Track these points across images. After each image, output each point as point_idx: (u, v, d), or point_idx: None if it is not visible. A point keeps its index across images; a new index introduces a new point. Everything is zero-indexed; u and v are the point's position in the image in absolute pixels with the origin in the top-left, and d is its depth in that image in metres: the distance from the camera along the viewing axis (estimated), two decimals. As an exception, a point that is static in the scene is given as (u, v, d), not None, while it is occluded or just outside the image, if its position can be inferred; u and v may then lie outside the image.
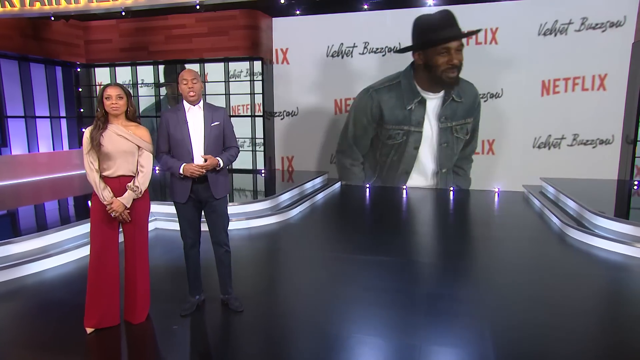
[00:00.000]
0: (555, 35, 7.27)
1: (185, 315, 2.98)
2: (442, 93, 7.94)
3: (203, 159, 2.80)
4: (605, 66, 7.16)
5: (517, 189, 7.79)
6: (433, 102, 8.01)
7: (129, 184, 2.65)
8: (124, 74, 9.26)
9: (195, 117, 2.85)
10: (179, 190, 2.86)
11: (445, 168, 8.14)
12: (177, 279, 3.64)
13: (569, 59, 7.28)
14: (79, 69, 9.31)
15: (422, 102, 8.05)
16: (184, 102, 2.87)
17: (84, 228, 4.60)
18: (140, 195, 2.68)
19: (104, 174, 2.64)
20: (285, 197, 6.45)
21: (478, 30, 7.61)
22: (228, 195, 3.03)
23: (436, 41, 7.78)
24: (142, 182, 2.68)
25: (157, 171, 8.31)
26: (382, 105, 8.20)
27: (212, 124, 2.86)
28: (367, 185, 8.45)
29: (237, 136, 3.07)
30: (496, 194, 7.67)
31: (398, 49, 8.04)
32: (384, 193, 7.89)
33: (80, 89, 9.42)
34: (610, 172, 7.41)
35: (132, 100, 2.75)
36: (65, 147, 9.27)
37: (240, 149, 3.94)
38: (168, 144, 2.86)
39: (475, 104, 7.86)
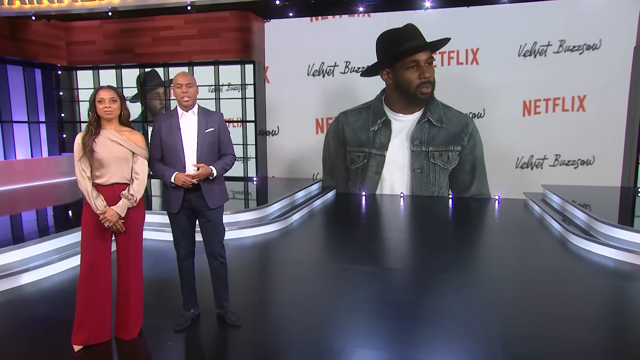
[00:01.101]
0: (535, 56, 7.56)
1: (180, 330, 2.96)
2: (416, 115, 8.03)
3: (195, 168, 2.79)
4: (584, 88, 7.46)
5: (519, 197, 7.90)
6: (401, 123, 8.12)
7: (123, 192, 2.63)
8: (108, 77, 9.21)
9: (188, 123, 2.85)
10: (172, 200, 2.85)
11: None
12: (169, 292, 3.61)
13: (548, 80, 7.56)
14: (59, 72, 9.22)
15: (387, 123, 8.14)
16: (178, 107, 2.88)
17: (65, 240, 4.55)
18: (135, 204, 2.66)
19: (97, 181, 2.62)
20: (279, 206, 6.45)
21: (446, 40, 7.79)
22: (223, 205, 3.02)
23: (401, 53, 7.90)
24: (137, 190, 2.66)
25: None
26: (346, 126, 8.33)
27: (206, 131, 2.85)
28: (363, 193, 8.48)
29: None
30: (496, 201, 7.77)
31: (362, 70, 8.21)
32: (380, 201, 7.93)
33: (61, 93, 9.32)
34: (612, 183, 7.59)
35: (126, 103, 2.74)
36: (45, 153, 9.15)
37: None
38: (161, 150, 2.85)
39: (463, 134, 7.92)
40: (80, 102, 9.57)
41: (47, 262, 4.14)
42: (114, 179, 2.62)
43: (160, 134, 2.83)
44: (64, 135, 9.41)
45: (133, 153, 2.67)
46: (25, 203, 6.94)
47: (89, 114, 2.65)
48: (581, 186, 7.52)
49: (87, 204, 2.62)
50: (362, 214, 7.09)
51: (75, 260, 4.30)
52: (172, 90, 2.90)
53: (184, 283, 3.04)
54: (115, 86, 8.92)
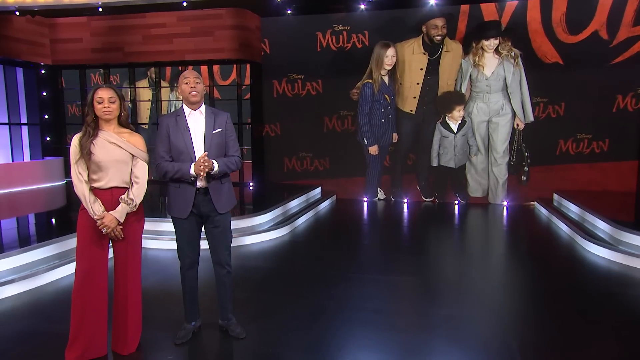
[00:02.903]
0: None
1: (181, 344, 2.93)
2: None
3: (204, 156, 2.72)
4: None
5: (527, 203, 7.94)
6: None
7: (122, 196, 2.62)
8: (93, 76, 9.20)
9: (196, 123, 2.84)
10: (180, 204, 2.82)
11: None
12: (167, 303, 3.59)
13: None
14: (43, 71, 9.18)
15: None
16: (184, 106, 2.87)
17: (51, 249, 4.49)
18: (135, 209, 2.65)
19: (94, 185, 2.60)
20: (279, 212, 6.45)
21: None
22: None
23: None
24: (137, 194, 2.65)
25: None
26: None
27: (214, 132, 2.84)
28: (365, 200, 8.51)
29: None
30: (504, 208, 7.81)
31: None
32: (382, 207, 7.95)
33: (44, 93, 9.27)
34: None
35: (126, 104, 2.74)
36: (27, 157, 9.07)
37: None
38: (170, 151, 2.83)
39: None
40: (65, 104, 9.52)
41: (33, 272, 4.10)
42: (112, 183, 2.61)
43: (168, 135, 2.81)
44: (48, 138, 9.34)
45: (133, 156, 2.66)
46: (6, 210, 6.86)
47: (86, 114, 2.64)
48: (593, 191, 7.55)
49: (83, 209, 2.60)
50: (365, 221, 7.10)
51: (63, 271, 4.27)
52: (179, 88, 2.89)
53: (186, 294, 3.01)
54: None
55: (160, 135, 2.85)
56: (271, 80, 8.65)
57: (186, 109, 2.86)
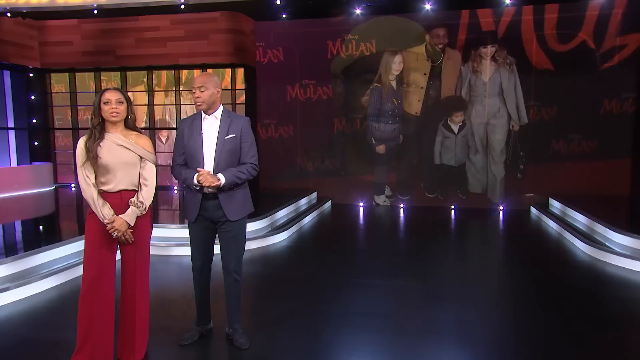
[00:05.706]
0: None
1: (185, 344, 2.91)
2: None
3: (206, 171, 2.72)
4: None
5: (523, 208, 8.06)
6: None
7: (132, 199, 2.59)
8: (86, 80, 9.09)
9: (210, 128, 2.82)
10: (189, 208, 2.84)
11: None
12: (171, 310, 3.56)
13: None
14: (31, 74, 9.05)
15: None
16: (202, 110, 2.84)
17: (41, 257, 4.41)
18: (144, 212, 2.62)
19: (103, 188, 2.57)
20: (278, 215, 6.44)
21: None
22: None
23: None
24: (147, 197, 2.62)
25: (175, 190, 8.63)
26: None
27: (227, 137, 2.80)
28: (361, 204, 8.55)
29: None
30: (500, 212, 7.92)
31: None
32: (378, 212, 7.99)
33: (32, 97, 9.14)
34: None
35: (133, 106, 2.72)
36: (14, 162, 8.91)
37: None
38: (184, 155, 2.84)
39: None
40: (54, 107, 9.39)
41: (28, 280, 4.02)
42: (121, 186, 2.58)
43: (183, 139, 2.82)
44: (36, 143, 9.20)
45: (141, 158, 2.64)
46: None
47: (92, 117, 2.61)
48: (585, 195, 7.68)
49: (91, 213, 2.57)
50: (362, 225, 7.12)
51: (59, 278, 4.20)
52: None
53: (196, 298, 3.01)
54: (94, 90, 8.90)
55: (177, 140, 2.87)
56: (285, 85, 8.78)
57: (203, 113, 2.84)
